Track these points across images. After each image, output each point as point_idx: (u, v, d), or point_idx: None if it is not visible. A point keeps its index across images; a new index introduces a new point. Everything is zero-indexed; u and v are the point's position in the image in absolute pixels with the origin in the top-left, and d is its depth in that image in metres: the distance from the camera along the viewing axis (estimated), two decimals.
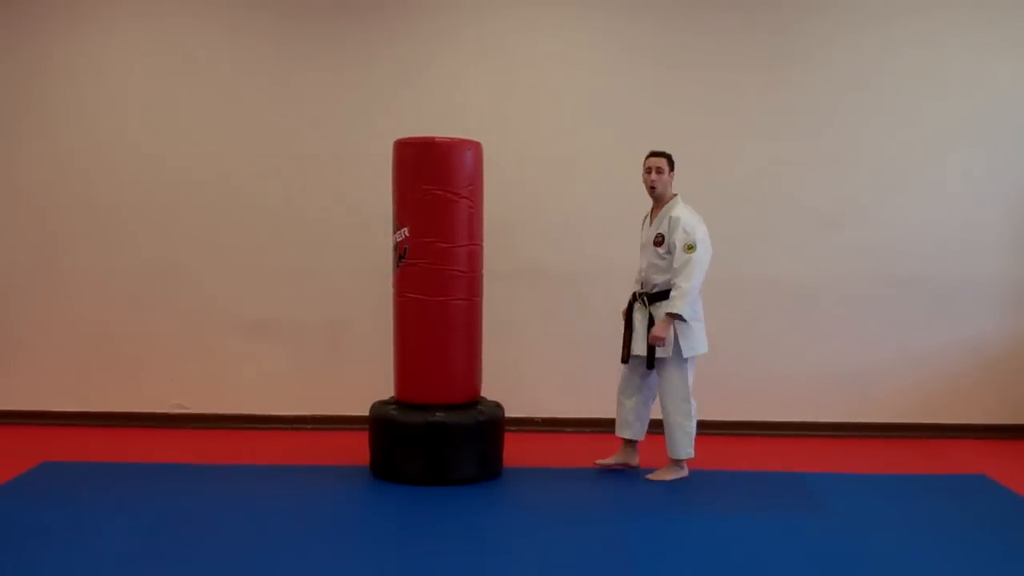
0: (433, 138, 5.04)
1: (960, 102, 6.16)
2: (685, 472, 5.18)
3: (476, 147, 5.10)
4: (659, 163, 5.04)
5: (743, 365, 6.18)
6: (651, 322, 5.03)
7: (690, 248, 4.90)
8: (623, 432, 5.30)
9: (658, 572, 3.82)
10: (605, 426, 5.62)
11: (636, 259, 5.27)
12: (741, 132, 6.16)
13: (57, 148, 6.25)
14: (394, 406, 5.14)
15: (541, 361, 6.27)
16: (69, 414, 6.28)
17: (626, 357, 5.16)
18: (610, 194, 6.11)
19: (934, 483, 5.21)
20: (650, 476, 5.19)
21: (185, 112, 6.22)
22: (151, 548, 4.01)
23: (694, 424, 5.11)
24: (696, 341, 5.03)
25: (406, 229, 5.02)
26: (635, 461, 5.34)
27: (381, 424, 5.10)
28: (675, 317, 4.93)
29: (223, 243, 6.26)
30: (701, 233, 4.96)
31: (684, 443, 5.11)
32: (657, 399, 5.23)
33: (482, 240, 5.18)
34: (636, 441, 5.32)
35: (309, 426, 6.26)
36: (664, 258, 5.02)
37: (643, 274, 5.18)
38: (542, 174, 6.19)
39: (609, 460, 5.34)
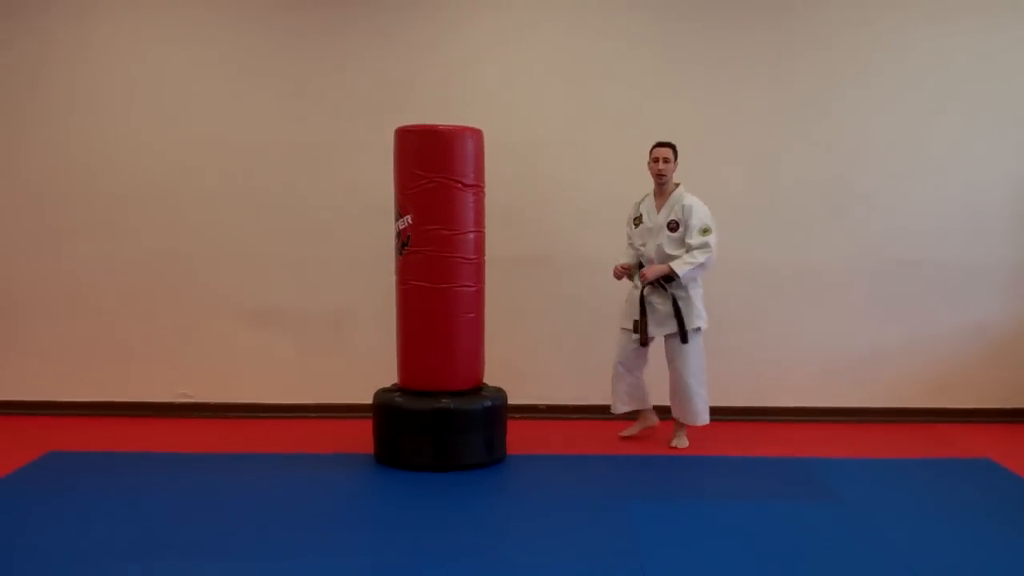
0: (435, 126, 5.02)
1: (964, 87, 6.14)
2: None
3: (478, 135, 5.09)
4: (666, 153, 5.35)
5: (747, 351, 6.18)
6: (675, 305, 5.30)
7: (706, 231, 5.27)
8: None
9: (663, 558, 3.83)
10: (608, 413, 5.63)
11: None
12: (744, 120, 6.14)
13: (59, 138, 6.24)
14: (398, 393, 5.14)
15: (544, 348, 6.27)
16: (74, 404, 6.28)
17: (646, 340, 5.40)
18: (614, 182, 6.08)
19: (939, 467, 5.22)
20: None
21: (188, 101, 6.20)
22: (156, 537, 4.02)
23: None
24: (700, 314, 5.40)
25: (408, 217, 5.01)
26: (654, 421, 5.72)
27: (386, 411, 5.10)
28: (673, 275, 5.25)
29: (227, 232, 6.26)
30: (713, 221, 5.34)
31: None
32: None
33: (484, 227, 5.18)
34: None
35: (313, 414, 6.27)
36: (676, 241, 5.31)
37: (653, 259, 5.38)
38: (545, 162, 6.17)
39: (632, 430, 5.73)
